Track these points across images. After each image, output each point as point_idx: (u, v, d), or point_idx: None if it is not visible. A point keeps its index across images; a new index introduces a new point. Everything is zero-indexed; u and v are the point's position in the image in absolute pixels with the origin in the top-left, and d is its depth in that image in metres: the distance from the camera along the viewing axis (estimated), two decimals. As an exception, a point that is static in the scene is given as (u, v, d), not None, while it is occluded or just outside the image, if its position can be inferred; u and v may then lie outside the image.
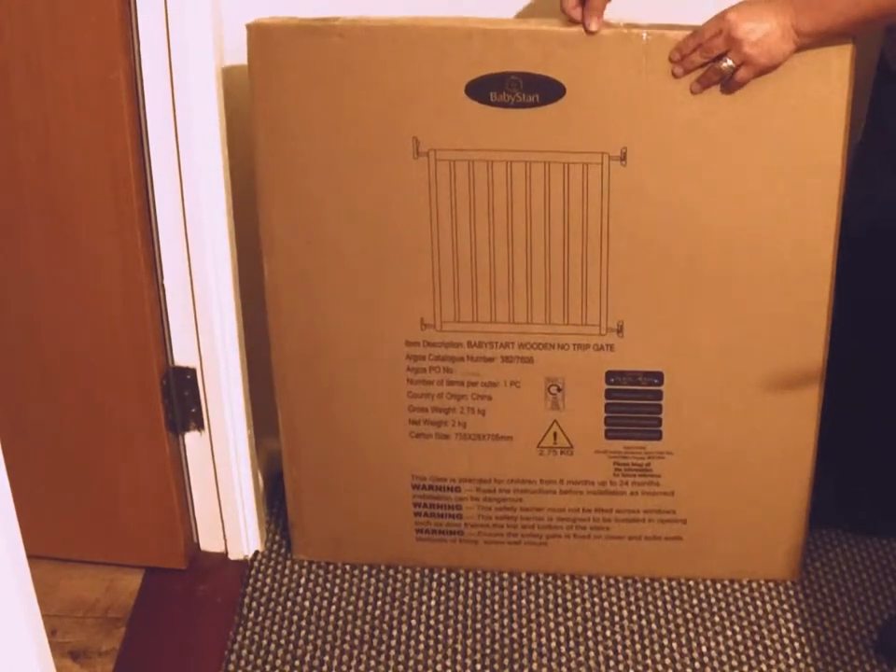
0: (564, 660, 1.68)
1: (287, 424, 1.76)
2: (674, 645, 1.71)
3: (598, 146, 1.51)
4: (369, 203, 1.57)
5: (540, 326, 1.63)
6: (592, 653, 1.70)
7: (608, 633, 1.73)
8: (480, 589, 1.81)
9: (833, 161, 1.49)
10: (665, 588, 1.80)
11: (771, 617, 1.75)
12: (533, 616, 1.76)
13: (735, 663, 1.68)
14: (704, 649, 1.70)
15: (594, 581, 1.81)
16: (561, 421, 1.70)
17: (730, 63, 1.42)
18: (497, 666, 1.68)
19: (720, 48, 1.41)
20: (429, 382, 1.69)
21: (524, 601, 1.78)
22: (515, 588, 1.81)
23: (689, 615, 1.75)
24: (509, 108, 1.49)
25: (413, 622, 1.75)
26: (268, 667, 1.68)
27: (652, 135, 1.49)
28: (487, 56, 1.47)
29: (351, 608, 1.77)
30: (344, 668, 1.68)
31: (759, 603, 1.77)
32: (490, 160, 1.53)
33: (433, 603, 1.78)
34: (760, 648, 1.70)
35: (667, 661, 1.68)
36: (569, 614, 1.76)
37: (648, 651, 1.70)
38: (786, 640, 1.70)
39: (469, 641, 1.72)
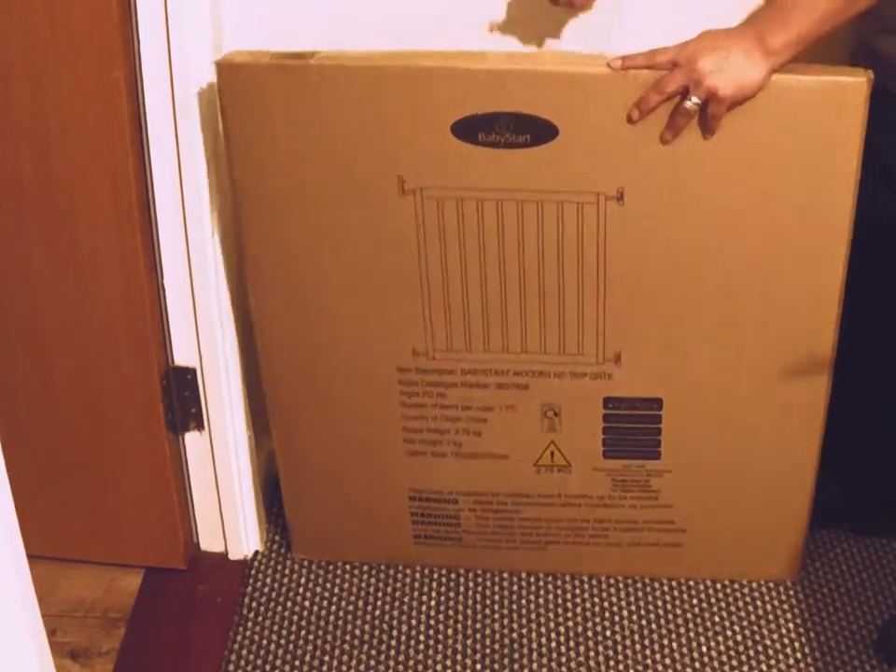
0: (564, 660, 1.68)
1: (281, 438, 1.75)
2: (674, 645, 1.71)
3: (594, 186, 1.45)
4: (355, 239, 1.53)
5: (535, 355, 1.60)
6: (592, 653, 1.69)
7: (608, 633, 1.73)
8: (480, 589, 1.81)
9: (843, 199, 1.44)
10: (665, 588, 1.80)
11: (771, 617, 1.75)
12: (533, 616, 1.76)
13: (734, 663, 1.68)
14: (704, 649, 1.70)
15: (594, 581, 1.81)
16: (558, 442, 1.68)
17: (695, 100, 1.34)
18: (496, 666, 1.68)
19: (679, 82, 1.34)
20: (423, 405, 1.67)
21: (523, 601, 1.78)
22: (515, 588, 1.81)
23: (689, 615, 1.75)
24: (498, 149, 1.43)
25: (413, 622, 1.75)
26: (268, 667, 1.68)
27: (652, 174, 1.44)
28: (474, 96, 1.40)
29: (351, 608, 1.77)
30: (344, 668, 1.68)
31: (759, 603, 1.77)
32: (480, 198, 1.48)
33: (433, 603, 1.78)
34: (760, 648, 1.70)
35: (667, 661, 1.68)
36: (569, 614, 1.76)
37: (648, 651, 1.70)
38: (786, 640, 1.70)
39: (469, 641, 1.72)
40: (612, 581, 1.81)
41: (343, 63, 1.42)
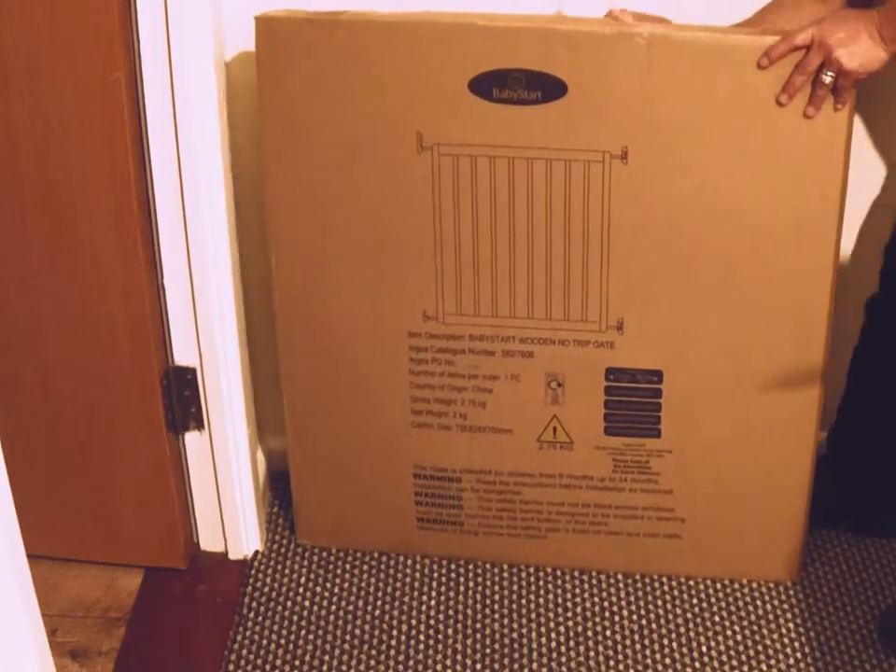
0: (564, 660, 1.68)
1: (291, 411, 1.78)
2: (674, 645, 1.71)
3: (600, 144, 1.51)
4: (373, 196, 1.58)
5: (541, 321, 1.64)
6: (592, 653, 1.70)
7: (608, 632, 1.73)
8: (480, 588, 1.81)
9: (836, 160, 1.49)
10: (665, 587, 1.80)
11: (771, 617, 1.75)
12: (533, 616, 1.76)
13: (734, 663, 1.68)
14: (704, 649, 1.70)
15: (594, 581, 1.81)
16: (561, 416, 1.71)
17: (831, 74, 1.42)
18: (497, 666, 1.68)
19: (817, 60, 1.41)
20: (431, 373, 1.70)
21: (523, 600, 1.78)
22: (515, 587, 1.81)
23: (689, 615, 1.75)
24: (511, 105, 1.49)
25: (413, 622, 1.75)
26: (268, 667, 1.68)
27: (654, 135, 1.50)
28: (490, 53, 1.47)
29: (351, 608, 1.78)
30: (344, 668, 1.68)
31: (759, 603, 1.77)
32: (492, 155, 1.53)
33: (433, 603, 1.78)
34: (760, 648, 1.70)
35: (667, 661, 1.68)
36: (569, 613, 1.76)
37: (648, 651, 1.70)
38: (786, 640, 1.70)
39: (469, 641, 1.72)
40: (612, 580, 1.81)
41: (369, 18, 1.49)
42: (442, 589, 1.81)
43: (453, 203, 1.57)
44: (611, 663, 1.68)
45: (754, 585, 1.80)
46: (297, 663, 1.68)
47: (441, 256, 1.61)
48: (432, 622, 1.75)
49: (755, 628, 1.73)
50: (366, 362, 1.71)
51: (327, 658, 1.69)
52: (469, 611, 1.77)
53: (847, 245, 1.78)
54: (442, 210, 1.58)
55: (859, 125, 1.68)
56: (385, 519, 1.84)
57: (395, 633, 1.73)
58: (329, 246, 1.63)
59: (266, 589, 1.81)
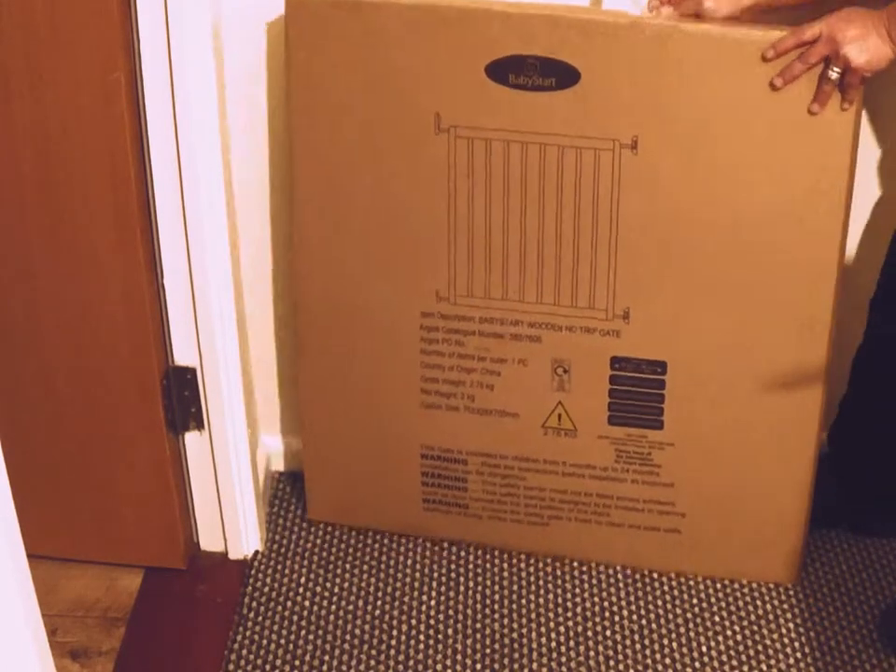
0: (564, 660, 1.68)
1: (305, 387, 1.81)
2: (674, 645, 1.71)
3: (610, 133, 1.52)
4: (391, 175, 1.61)
5: (549, 306, 1.66)
6: (592, 653, 1.70)
7: (608, 632, 1.73)
8: (480, 588, 1.81)
9: (841, 158, 1.50)
10: (666, 587, 1.80)
11: (771, 617, 1.75)
12: (533, 616, 1.76)
13: (734, 663, 1.68)
14: (704, 648, 1.70)
15: (594, 580, 1.81)
16: (566, 402, 1.72)
17: (837, 70, 1.43)
18: (497, 666, 1.68)
19: (821, 53, 1.42)
20: (442, 354, 1.72)
21: (523, 600, 1.78)
22: (515, 588, 1.81)
23: (689, 615, 1.75)
24: (526, 91, 1.52)
25: (413, 621, 1.75)
26: (268, 667, 1.68)
27: (664, 126, 1.51)
28: (507, 39, 1.50)
29: (351, 607, 1.78)
30: (344, 668, 1.68)
31: (759, 603, 1.77)
32: (507, 139, 1.55)
33: (433, 603, 1.78)
34: (760, 648, 1.70)
35: (667, 661, 1.68)
36: (569, 613, 1.76)
37: (648, 651, 1.70)
38: (786, 640, 1.70)
39: (469, 641, 1.72)
40: (613, 578, 1.81)
41: (390, 2, 1.52)
42: (442, 589, 1.81)
43: (467, 185, 1.59)
44: (611, 663, 1.68)
45: (754, 585, 1.80)
46: (297, 663, 1.69)
47: (454, 237, 1.63)
48: (432, 621, 1.75)
49: (755, 628, 1.73)
50: (379, 340, 1.73)
51: (327, 658, 1.69)
52: (469, 611, 1.77)
53: (853, 243, 1.78)
54: (457, 191, 1.60)
55: (865, 125, 1.68)
56: (392, 498, 1.87)
57: (395, 633, 1.73)
58: (348, 224, 1.66)
59: (266, 589, 1.81)
